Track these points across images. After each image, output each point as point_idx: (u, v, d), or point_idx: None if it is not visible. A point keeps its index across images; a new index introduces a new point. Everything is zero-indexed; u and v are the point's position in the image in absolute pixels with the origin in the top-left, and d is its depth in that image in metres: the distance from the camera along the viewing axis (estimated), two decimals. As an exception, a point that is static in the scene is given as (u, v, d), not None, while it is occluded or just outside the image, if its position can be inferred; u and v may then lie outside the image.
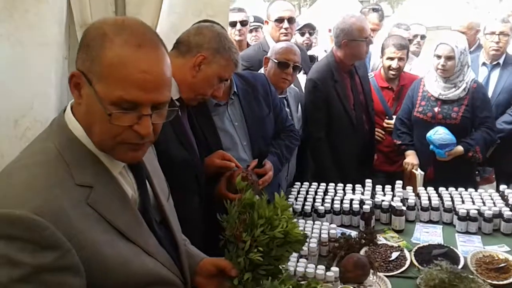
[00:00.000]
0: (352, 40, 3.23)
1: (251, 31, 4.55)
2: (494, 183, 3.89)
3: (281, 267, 1.43)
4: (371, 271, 1.99)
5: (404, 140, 3.48)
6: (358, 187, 2.85)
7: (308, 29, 4.77)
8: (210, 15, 2.35)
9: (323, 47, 5.01)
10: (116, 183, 1.14)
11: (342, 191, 2.82)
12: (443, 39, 3.30)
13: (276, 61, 2.87)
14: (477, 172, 3.52)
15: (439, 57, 3.22)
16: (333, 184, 2.90)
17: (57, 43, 1.93)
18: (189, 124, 2.06)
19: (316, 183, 2.94)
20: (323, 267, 1.93)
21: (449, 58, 3.19)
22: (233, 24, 4.02)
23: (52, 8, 1.90)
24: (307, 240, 2.18)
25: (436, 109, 3.30)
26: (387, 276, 2.02)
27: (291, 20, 3.71)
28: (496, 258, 2.17)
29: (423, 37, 4.75)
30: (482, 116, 3.28)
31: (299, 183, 2.96)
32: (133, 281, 1.12)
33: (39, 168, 1.03)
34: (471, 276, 1.96)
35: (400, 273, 2.08)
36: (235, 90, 2.40)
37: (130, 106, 1.04)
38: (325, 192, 2.83)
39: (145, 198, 1.23)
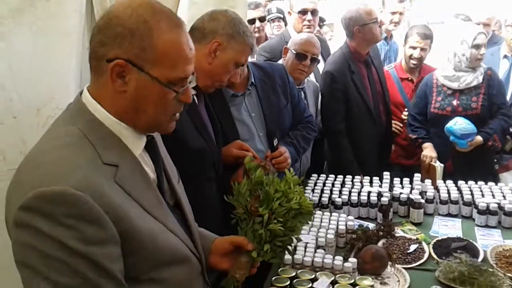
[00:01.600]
0: (364, 25, 3.23)
1: (273, 20, 4.52)
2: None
3: (293, 238, 1.53)
4: (389, 263, 1.98)
5: (420, 134, 3.43)
6: (375, 179, 2.83)
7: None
8: (231, 6, 2.35)
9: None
10: (138, 163, 1.18)
11: (359, 183, 2.80)
12: (475, 29, 3.27)
13: (294, 52, 2.86)
14: (495, 160, 3.46)
15: (478, 46, 3.17)
16: (350, 177, 2.89)
17: (78, 33, 1.95)
18: (206, 113, 2.07)
19: (333, 175, 2.93)
20: (341, 258, 1.93)
21: (485, 46, 3.20)
22: (251, 22, 4.00)
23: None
24: (325, 231, 2.19)
25: (454, 102, 3.25)
26: (405, 269, 2.01)
27: (314, 12, 3.69)
28: (517, 252, 2.14)
29: None
30: (499, 103, 3.26)
31: (315, 175, 2.95)
32: (162, 256, 1.16)
33: (68, 149, 1.07)
34: (491, 270, 1.94)
35: (419, 265, 2.06)
36: (253, 80, 2.39)
37: (181, 81, 1.16)
38: (342, 184, 2.82)
39: (161, 180, 1.27)
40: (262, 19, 4.15)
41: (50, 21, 1.80)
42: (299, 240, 1.65)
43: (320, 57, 3.07)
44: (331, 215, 2.40)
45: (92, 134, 1.11)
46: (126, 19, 1.09)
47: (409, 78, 3.80)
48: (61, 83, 1.79)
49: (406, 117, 3.70)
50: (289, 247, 1.54)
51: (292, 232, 1.49)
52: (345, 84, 3.24)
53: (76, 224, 0.98)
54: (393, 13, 4.44)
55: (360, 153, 3.29)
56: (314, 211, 1.73)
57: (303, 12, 3.65)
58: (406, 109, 3.74)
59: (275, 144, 2.33)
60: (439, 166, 3.17)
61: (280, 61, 3.00)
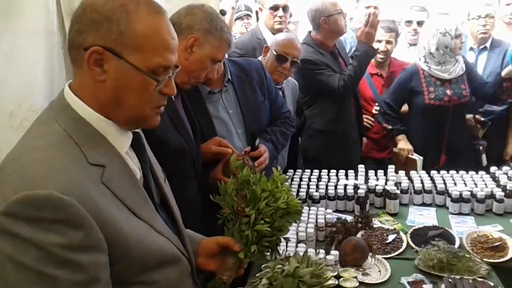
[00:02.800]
0: (329, 16, 3.27)
1: (242, 18, 4.52)
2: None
3: (281, 238, 1.50)
4: (370, 254, 2.01)
5: (396, 125, 3.48)
6: (350, 172, 2.87)
7: None
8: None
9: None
10: (124, 162, 1.14)
11: (335, 177, 2.83)
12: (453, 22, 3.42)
13: (275, 53, 2.84)
14: (479, 142, 3.58)
15: (458, 36, 3.27)
16: (326, 170, 2.92)
17: (49, 32, 1.89)
18: (184, 111, 2.04)
19: (309, 170, 2.95)
20: (323, 251, 1.94)
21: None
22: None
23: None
24: (305, 225, 2.20)
25: (448, 92, 3.32)
26: (385, 259, 2.04)
27: (285, 8, 3.71)
28: (491, 237, 2.21)
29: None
30: (483, 82, 3.45)
31: (292, 170, 2.96)
32: (149, 259, 1.12)
33: (52, 149, 1.01)
34: (468, 255, 1.99)
35: (398, 255, 2.10)
36: (229, 77, 2.36)
37: (163, 70, 1.10)
38: (319, 178, 2.84)
39: (148, 179, 1.23)
40: (222, 13, 4.13)
41: (18, 18, 1.75)
42: (287, 240, 1.63)
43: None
44: (309, 209, 2.41)
45: (76, 133, 1.06)
46: (102, 4, 1.04)
47: (379, 73, 3.86)
48: (34, 84, 1.74)
49: (377, 112, 3.75)
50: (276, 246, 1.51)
51: (279, 232, 1.46)
52: (309, 74, 3.27)
53: (62, 229, 0.93)
54: (368, 7, 4.51)
55: (328, 144, 3.34)
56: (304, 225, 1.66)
57: (275, 8, 3.67)
58: (376, 104, 3.79)
59: (256, 144, 2.31)
60: (418, 158, 3.23)
61: (260, 59, 2.99)
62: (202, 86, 2.26)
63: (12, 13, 1.70)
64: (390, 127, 3.50)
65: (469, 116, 3.58)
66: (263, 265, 1.70)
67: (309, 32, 3.44)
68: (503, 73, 3.27)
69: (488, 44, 3.84)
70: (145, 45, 1.06)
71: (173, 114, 1.91)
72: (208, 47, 1.90)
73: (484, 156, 3.54)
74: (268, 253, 1.50)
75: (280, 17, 3.66)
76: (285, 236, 1.52)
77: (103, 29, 1.04)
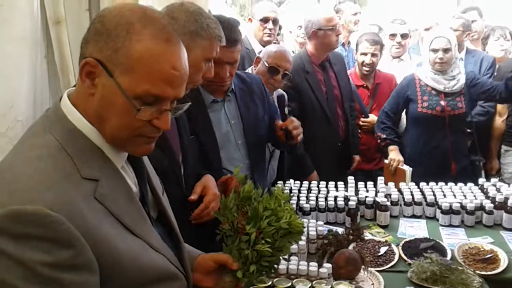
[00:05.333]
0: (319, 30, 3.30)
1: None
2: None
3: (280, 258, 1.44)
4: (362, 266, 1.98)
5: (390, 135, 3.47)
6: (340, 184, 2.85)
7: None
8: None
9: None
10: (120, 176, 1.09)
11: (325, 189, 2.81)
12: (437, 33, 3.35)
13: (267, 64, 2.84)
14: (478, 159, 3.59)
15: (435, 51, 3.25)
16: (316, 182, 2.90)
17: (34, 40, 1.86)
18: (175, 122, 1.99)
19: (298, 182, 2.92)
20: (316, 264, 1.91)
21: (446, 50, 3.24)
22: None
23: (23, 2, 1.83)
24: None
25: (442, 103, 3.32)
26: (378, 271, 2.02)
27: (275, 21, 3.76)
28: (482, 249, 2.20)
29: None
30: (481, 85, 3.38)
31: (281, 182, 2.93)
32: (144, 277, 1.07)
33: (43, 162, 0.96)
34: (461, 268, 1.98)
35: (390, 267, 2.07)
36: (233, 87, 2.34)
37: (153, 100, 1.02)
38: (308, 190, 2.82)
39: (144, 193, 1.18)
40: None
41: (3, 26, 1.71)
42: (287, 260, 1.58)
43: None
44: (300, 221, 2.38)
45: (70, 145, 1.01)
46: (110, 18, 1.01)
47: (364, 85, 3.87)
48: (19, 92, 1.71)
49: (364, 123, 3.77)
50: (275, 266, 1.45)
51: (279, 252, 1.39)
52: (299, 83, 3.28)
53: (49, 247, 0.89)
54: (355, 14, 4.57)
55: (317, 159, 3.30)
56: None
57: (265, 20, 3.70)
58: (363, 115, 3.80)
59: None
60: (408, 169, 3.22)
61: (249, 70, 2.97)
62: (206, 93, 2.26)
63: (0, 21, 1.67)
64: (384, 136, 3.49)
65: None
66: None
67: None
68: None
69: (463, 55, 3.92)
70: (137, 69, 1.00)
71: None
72: (199, 50, 1.78)
73: (483, 173, 3.56)
74: (265, 272, 1.43)
75: (270, 29, 3.70)
76: (285, 256, 1.47)
77: (101, 42, 1.00)
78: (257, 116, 2.43)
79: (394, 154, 3.40)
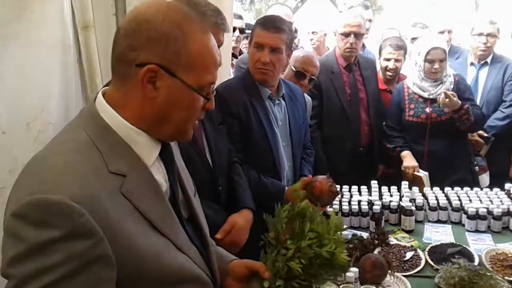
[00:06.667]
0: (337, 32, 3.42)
1: (247, 37, 4.54)
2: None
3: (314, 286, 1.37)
4: (389, 271, 1.96)
5: (398, 143, 3.42)
6: (363, 188, 2.83)
7: None
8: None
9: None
10: (149, 173, 1.10)
11: (348, 193, 2.79)
12: (430, 43, 3.31)
13: (294, 69, 2.88)
14: (475, 163, 3.52)
15: (431, 61, 3.23)
16: (338, 186, 2.88)
17: (65, 46, 1.89)
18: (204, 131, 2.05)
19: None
20: (342, 268, 1.89)
21: (441, 61, 3.23)
22: (233, 30, 4.00)
23: (54, 7, 1.86)
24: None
25: (427, 110, 3.30)
26: (404, 276, 1.99)
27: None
28: (510, 255, 2.16)
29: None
30: (466, 97, 3.30)
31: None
32: (165, 276, 1.07)
33: (73, 155, 0.99)
34: (489, 274, 1.95)
35: (417, 272, 2.05)
36: (284, 92, 2.47)
37: (210, 87, 1.12)
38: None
39: (175, 192, 1.19)
40: (241, 31, 4.16)
41: (36, 32, 1.74)
42: None
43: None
44: (324, 226, 2.37)
45: (100, 141, 1.04)
46: (160, 22, 1.04)
47: (387, 89, 3.84)
48: (50, 96, 1.73)
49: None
50: None
51: (313, 278, 1.33)
52: (323, 82, 3.30)
53: (65, 236, 0.90)
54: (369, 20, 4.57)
55: (332, 159, 3.32)
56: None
57: None
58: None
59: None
60: (424, 175, 3.18)
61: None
62: (263, 88, 2.38)
63: (32, 27, 1.70)
64: (393, 146, 3.43)
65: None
66: None
67: None
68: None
69: (489, 60, 3.87)
70: (198, 64, 1.08)
71: (194, 142, 1.93)
72: None
73: (484, 176, 3.50)
74: None
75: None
76: (319, 286, 1.40)
77: (160, 47, 1.04)
78: (300, 122, 2.55)
79: (408, 161, 3.30)
